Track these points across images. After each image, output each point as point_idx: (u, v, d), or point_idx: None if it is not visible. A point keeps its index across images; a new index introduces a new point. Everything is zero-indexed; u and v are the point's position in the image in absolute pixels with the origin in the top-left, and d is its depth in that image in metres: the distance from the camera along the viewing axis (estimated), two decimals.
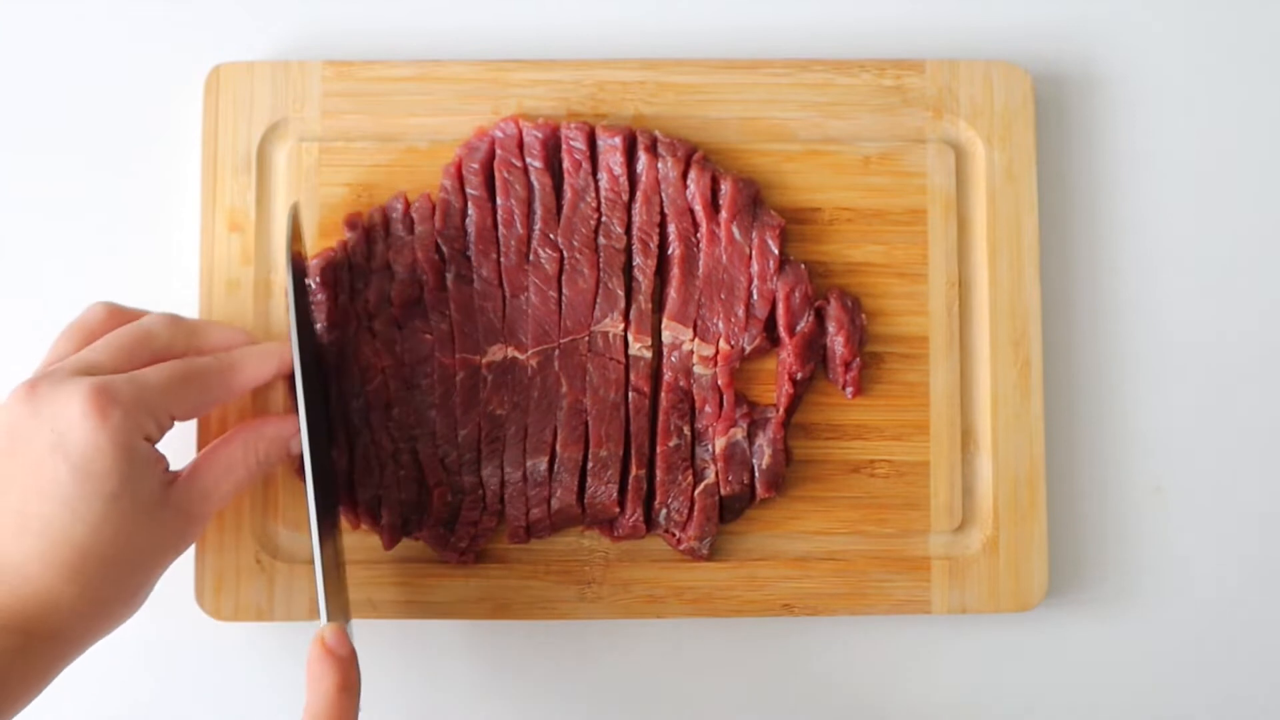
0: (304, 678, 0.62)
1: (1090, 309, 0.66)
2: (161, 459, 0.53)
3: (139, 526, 0.52)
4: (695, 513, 0.61)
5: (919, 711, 0.64)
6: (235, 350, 0.57)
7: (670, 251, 0.62)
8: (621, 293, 0.61)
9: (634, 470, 0.61)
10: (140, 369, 0.53)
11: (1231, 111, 0.68)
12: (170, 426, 0.54)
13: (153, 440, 0.53)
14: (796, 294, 0.61)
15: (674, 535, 0.61)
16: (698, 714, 0.63)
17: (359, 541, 0.61)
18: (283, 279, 0.62)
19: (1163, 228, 0.67)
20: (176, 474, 0.54)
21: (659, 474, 0.61)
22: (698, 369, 0.61)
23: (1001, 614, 0.63)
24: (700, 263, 0.62)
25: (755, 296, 0.62)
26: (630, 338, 0.61)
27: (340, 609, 0.56)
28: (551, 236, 0.62)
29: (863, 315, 0.62)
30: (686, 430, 0.61)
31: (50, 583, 0.50)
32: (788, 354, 0.61)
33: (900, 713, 0.64)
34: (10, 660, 0.50)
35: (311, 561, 0.61)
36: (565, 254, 0.61)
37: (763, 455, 0.61)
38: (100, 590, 0.51)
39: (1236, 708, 0.65)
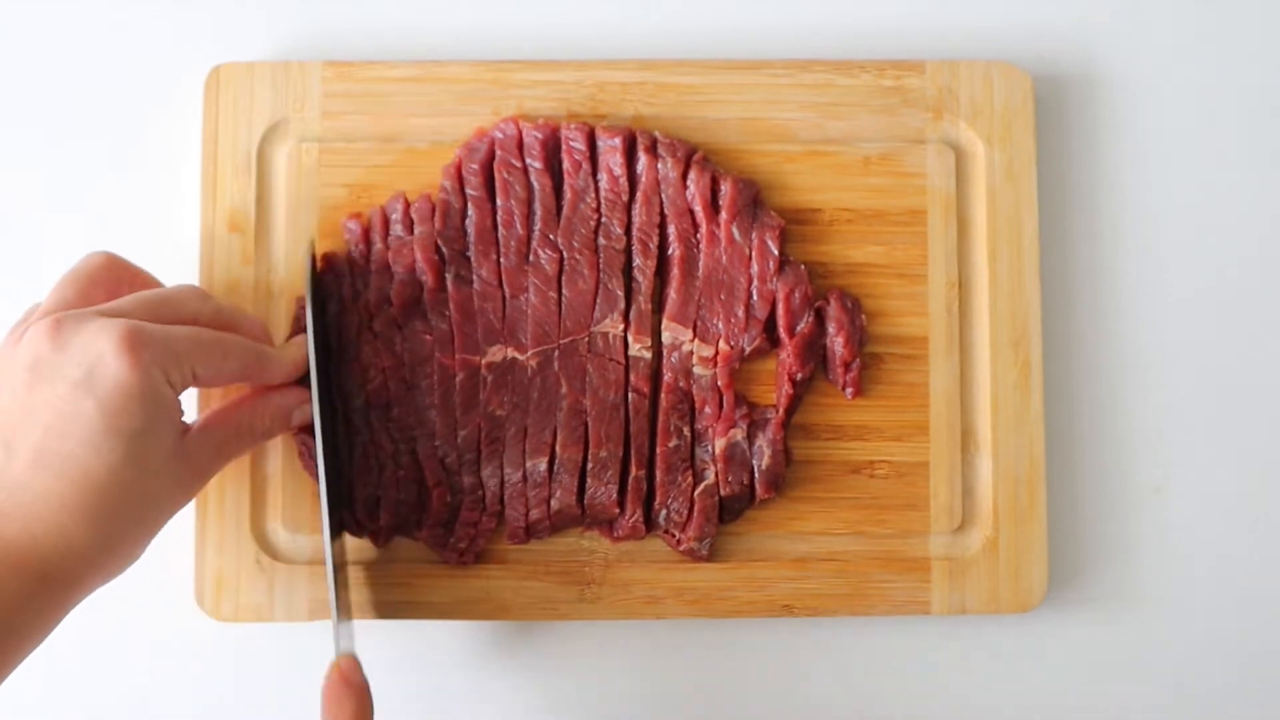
0: (301, 679, 0.63)
1: (1090, 309, 0.66)
2: (180, 408, 0.53)
3: (154, 472, 0.52)
4: (695, 513, 0.61)
5: (919, 711, 0.64)
6: (266, 346, 0.57)
7: (670, 252, 0.62)
8: (621, 293, 0.61)
9: (634, 471, 0.61)
10: (136, 306, 0.54)
11: (1232, 111, 0.68)
12: (191, 384, 0.53)
13: (175, 390, 0.52)
14: (796, 294, 0.61)
15: (674, 536, 0.61)
16: (698, 714, 0.63)
17: (359, 541, 0.61)
18: (282, 278, 0.62)
19: (1163, 228, 0.67)
20: (189, 426, 0.54)
21: (659, 475, 0.61)
22: (697, 370, 0.61)
23: (1001, 614, 0.63)
24: (700, 263, 0.62)
25: (755, 297, 0.62)
26: (630, 338, 0.61)
27: (345, 608, 0.57)
28: (551, 237, 0.62)
29: (863, 316, 0.62)
30: (686, 431, 0.61)
31: (65, 524, 0.50)
32: (787, 355, 0.61)
33: (900, 713, 0.64)
34: (24, 602, 0.49)
35: (314, 562, 0.61)
36: (565, 254, 0.61)
37: (762, 456, 0.61)
38: (112, 535, 0.51)
39: (1236, 707, 0.65)
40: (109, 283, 0.56)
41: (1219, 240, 0.67)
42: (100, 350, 0.50)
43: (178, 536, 0.62)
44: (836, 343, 0.62)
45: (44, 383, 0.50)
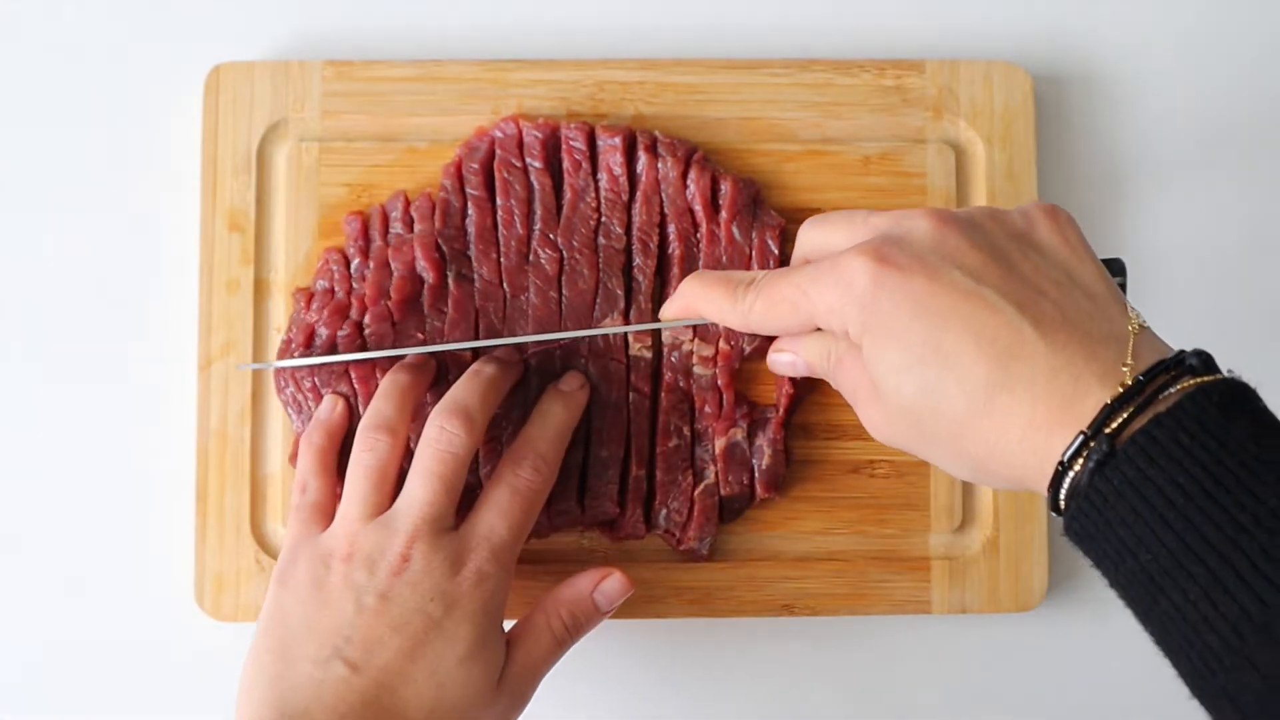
0: None
1: None
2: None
3: (473, 704, 0.51)
4: (695, 513, 0.61)
5: (919, 711, 0.64)
6: (543, 432, 0.56)
7: (670, 251, 0.62)
8: (621, 293, 0.61)
9: (634, 471, 0.61)
10: (480, 514, 0.53)
11: (1231, 111, 0.68)
12: None
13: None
14: None
15: (674, 536, 0.61)
16: (698, 714, 0.63)
17: None
18: (282, 278, 0.62)
19: (1162, 228, 0.67)
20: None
21: (659, 474, 0.61)
22: (697, 369, 0.61)
23: (1001, 614, 0.63)
24: (700, 263, 0.62)
25: None
26: (630, 338, 0.61)
27: None
28: (551, 236, 0.62)
29: None
30: (686, 431, 0.61)
31: None
32: None
33: (900, 713, 0.64)
34: None
35: None
36: (565, 254, 0.61)
37: (762, 455, 0.61)
38: None
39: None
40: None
41: (1219, 240, 0.67)
42: (454, 593, 0.51)
43: (178, 536, 0.62)
44: None
45: (395, 615, 0.50)
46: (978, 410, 0.43)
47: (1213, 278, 0.67)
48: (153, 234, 0.65)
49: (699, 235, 0.62)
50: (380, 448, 0.54)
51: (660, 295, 0.62)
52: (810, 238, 0.51)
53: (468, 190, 0.62)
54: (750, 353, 0.62)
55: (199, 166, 0.63)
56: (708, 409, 0.61)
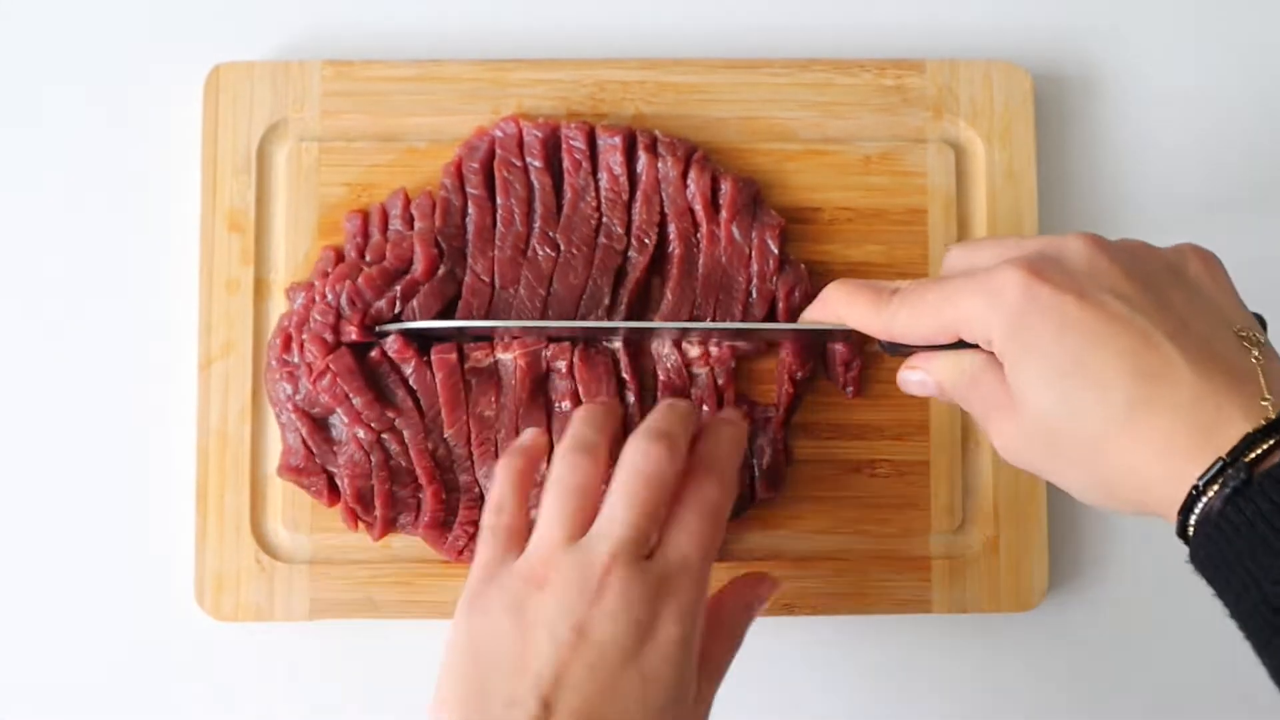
0: (301, 679, 0.63)
1: None
2: None
3: None
4: None
5: (919, 711, 0.64)
6: (719, 450, 0.53)
7: (670, 250, 0.62)
8: (608, 290, 0.61)
9: None
10: (672, 540, 0.49)
11: (1231, 112, 0.68)
12: None
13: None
14: (796, 293, 0.61)
15: None
16: None
17: (359, 541, 0.61)
18: (282, 278, 0.62)
19: (1162, 228, 0.67)
20: None
21: None
22: (696, 369, 0.61)
23: (1001, 614, 0.63)
24: (700, 262, 0.62)
25: (754, 296, 0.61)
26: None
27: None
28: (551, 234, 0.62)
29: None
30: None
31: None
32: (787, 354, 0.61)
33: (900, 713, 0.64)
34: None
35: (314, 562, 0.61)
36: (563, 250, 0.61)
37: (763, 455, 0.61)
38: None
39: (1235, 708, 0.65)
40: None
41: (1218, 240, 0.67)
42: (653, 623, 0.47)
43: (178, 536, 0.62)
44: (833, 340, 0.62)
45: (592, 648, 0.47)
46: (1118, 427, 0.43)
47: None
48: (153, 234, 0.65)
49: (699, 235, 0.62)
50: (583, 467, 0.51)
51: (647, 293, 0.62)
52: (958, 256, 0.51)
53: (468, 189, 0.62)
54: (750, 352, 0.62)
55: (199, 166, 0.63)
56: (705, 408, 0.61)
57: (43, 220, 0.65)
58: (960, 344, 0.49)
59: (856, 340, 0.61)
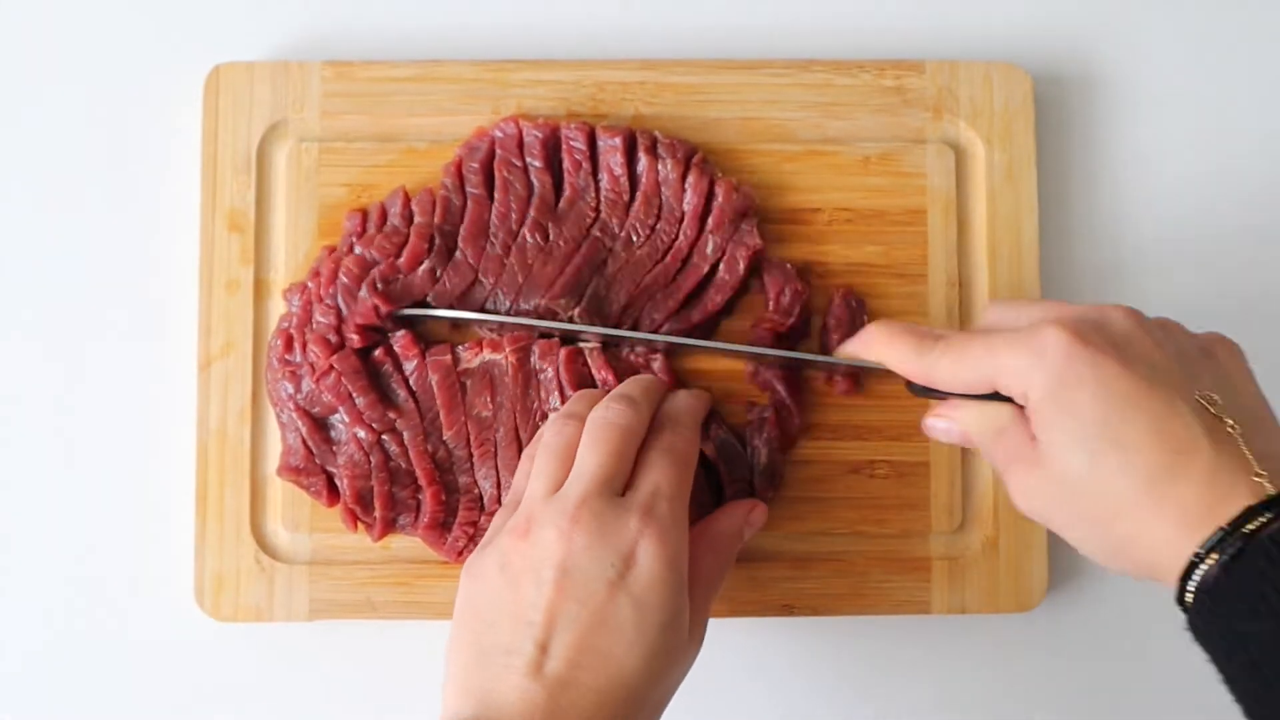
0: (301, 679, 0.63)
1: None
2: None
3: (676, 655, 0.50)
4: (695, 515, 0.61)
5: (919, 711, 0.64)
6: (677, 409, 0.56)
7: (639, 250, 0.62)
8: (589, 282, 0.61)
9: None
10: (641, 476, 0.52)
11: (1231, 111, 0.68)
12: None
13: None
14: (786, 292, 0.61)
15: None
16: (697, 714, 0.63)
17: (358, 542, 0.61)
18: (282, 278, 0.62)
19: (1162, 228, 0.67)
20: None
21: None
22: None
23: (1001, 614, 0.63)
24: (666, 270, 0.62)
25: (705, 298, 0.62)
26: (580, 325, 0.61)
27: None
28: (543, 223, 0.61)
29: (865, 316, 0.62)
30: None
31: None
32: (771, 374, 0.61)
33: (900, 713, 0.64)
34: None
35: (314, 562, 0.61)
36: (551, 239, 0.61)
37: (760, 455, 0.61)
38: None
39: (1234, 708, 0.65)
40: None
41: (1219, 240, 0.67)
42: (632, 548, 0.49)
43: (178, 536, 0.62)
44: (833, 340, 0.62)
45: (575, 583, 0.49)
46: (1139, 493, 0.45)
47: (1213, 277, 0.67)
48: (153, 234, 0.65)
49: (676, 244, 0.62)
50: (566, 431, 0.54)
51: (612, 293, 0.62)
52: (997, 313, 0.53)
53: (468, 189, 0.62)
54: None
55: (199, 167, 0.63)
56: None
57: (43, 220, 0.65)
58: (989, 395, 0.50)
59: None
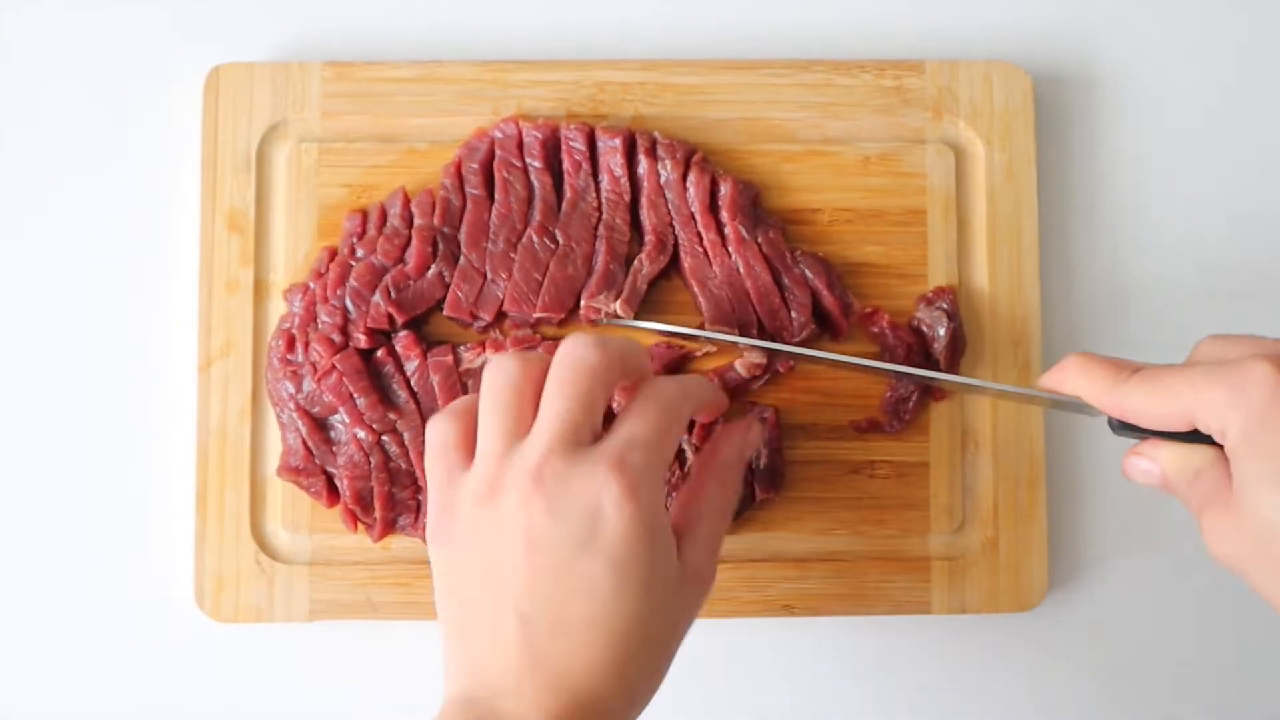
0: (301, 679, 0.63)
1: (1090, 309, 0.66)
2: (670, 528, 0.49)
3: (668, 607, 0.48)
4: None
5: (919, 711, 0.64)
6: (684, 380, 0.53)
7: (682, 261, 0.62)
8: (622, 276, 0.61)
9: None
10: (618, 424, 0.49)
11: (1231, 111, 0.68)
12: None
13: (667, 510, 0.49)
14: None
15: None
16: (697, 714, 0.63)
17: (358, 542, 0.61)
18: (282, 278, 0.62)
19: (1162, 228, 0.67)
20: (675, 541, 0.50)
21: None
22: (732, 373, 0.61)
23: (1001, 614, 0.63)
24: (715, 268, 0.62)
25: (793, 293, 0.61)
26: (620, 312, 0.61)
27: None
28: (550, 228, 0.62)
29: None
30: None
31: (597, 687, 0.46)
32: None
33: (900, 712, 0.64)
34: None
35: (314, 562, 0.61)
36: (561, 244, 0.61)
37: (761, 456, 0.61)
38: (639, 683, 0.48)
39: (1236, 708, 0.65)
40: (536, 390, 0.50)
41: (1219, 240, 0.67)
42: (599, 505, 0.46)
43: (178, 536, 0.62)
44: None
45: (544, 551, 0.46)
46: None
47: (1213, 277, 0.67)
48: (153, 234, 0.65)
49: (704, 242, 0.62)
50: (509, 368, 0.49)
51: (655, 289, 0.62)
52: (1209, 347, 0.50)
53: (468, 190, 0.62)
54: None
55: (199, 167, 0.63)
56: None
57: (43, 220, 0.65)
58: (1190, 435, 0.48)
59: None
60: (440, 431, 0.50)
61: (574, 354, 0.49)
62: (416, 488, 0.60)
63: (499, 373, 0.49)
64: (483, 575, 0.48)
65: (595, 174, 0.62)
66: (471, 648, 0.48)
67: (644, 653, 0.48)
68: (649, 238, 0.62)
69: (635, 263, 0.61)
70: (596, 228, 0.62)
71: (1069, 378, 0.51)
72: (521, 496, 0.47)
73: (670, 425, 0.50)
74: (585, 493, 0.46)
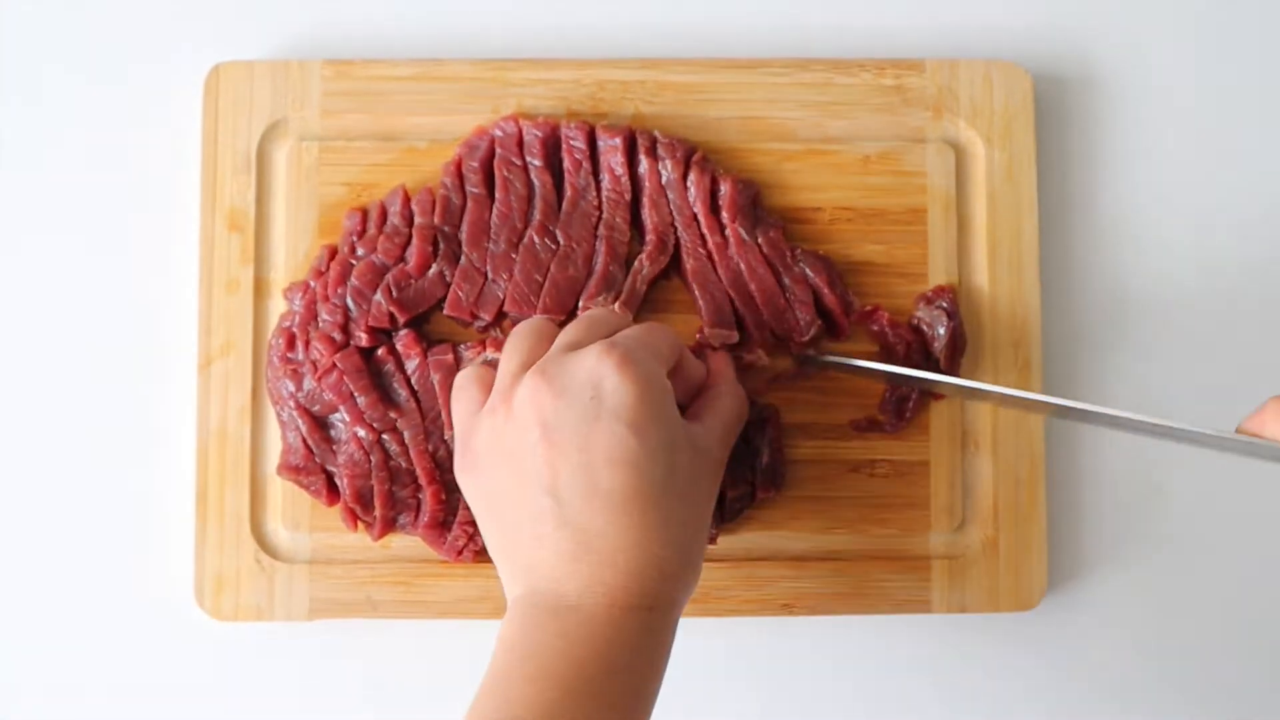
0: (301, 679, 0.62)
1: (1090, 309, 0.66)
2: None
3: (689, 465, 0.51)
4: None
5: (919, 711, 0.64)
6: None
7: (683, 259, 0.62)
8: (622, 277, 0.61)
9: None
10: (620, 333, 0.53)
11: (1231, 111, 0.68)
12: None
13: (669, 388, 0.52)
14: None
15: None
16: (698, 714, 0.63)
17: (358, 541, 0.61)
18: (282, 277, 0.62)
19: (1162, 228, 0.67)
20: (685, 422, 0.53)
21: None
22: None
23: (1001, 614, 0.63)
24: (718, 268, 0.62)
25: (794, 292, 0.61)
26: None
27: None
28: (550, 228, 0.62)
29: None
30: None
31: (653, 552, 0.49)
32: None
33: (900, 712, 0.64)
34: (654, 640, 0.49)
35: (314, 562, 0.61)
36: (563, 243, 0.61)
37: (761, 455, 0.61)
38: (687, 545, 0.51)
39: (1236, 708, 0.65)
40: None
41: (1219, 240, 0.67)
42: (600, 378, 0.50)
43: (178, 535, 0.62)
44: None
45: (560, 429, 0.49)
46: None
47: (1214, 277, 0.67)
48: (153, 234, 0.65)
49: (707, 244, 0.62)
50: (536, 321, 0.55)
51: (655, 290, 0.62)
52: None
53: (468, 188, 0.62)
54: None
55: (199, 166, 0.63)
56: None
57: (43, 220, 0.65)
58: None
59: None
60: (465, 376, 0.55)
61: (596, 311, 0.55)
62: (416, 486, 0.60)
63: (522, 324, 0.55)
64: (511, 480, 0.50)
65: (595, 173, 0.62)
66: (520, 554, 0.50)
67: (680, 508, 0.50)
68: (650, 237, 0.62)
69: (635, 263, 0.61)
70: (597, 227, 0.62)
71: (1270, 424, 0.49)
72: (530, 391, 0.50)
73: (654, 333, 0.54)
74: (584, 369, 0.50)
